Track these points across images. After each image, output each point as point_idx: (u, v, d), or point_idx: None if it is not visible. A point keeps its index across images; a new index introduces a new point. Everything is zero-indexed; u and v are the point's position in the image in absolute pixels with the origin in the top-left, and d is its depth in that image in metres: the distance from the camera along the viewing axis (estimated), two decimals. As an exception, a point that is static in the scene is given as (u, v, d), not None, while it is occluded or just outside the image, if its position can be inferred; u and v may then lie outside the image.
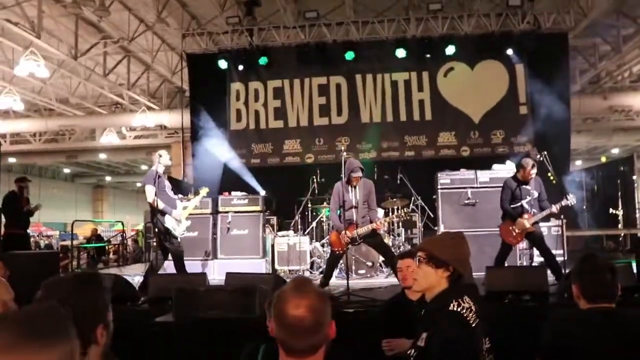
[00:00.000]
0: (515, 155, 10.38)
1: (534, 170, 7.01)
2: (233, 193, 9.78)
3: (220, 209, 9.58)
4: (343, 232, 6.99)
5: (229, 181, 11.43)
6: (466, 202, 8.82)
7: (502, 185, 7.31)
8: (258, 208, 9.55)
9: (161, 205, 7.06)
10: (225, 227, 9.46)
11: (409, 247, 9.51)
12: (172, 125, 17.13)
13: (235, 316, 4.66)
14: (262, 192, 10.34)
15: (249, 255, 9.35)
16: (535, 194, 6.99)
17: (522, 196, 7.01)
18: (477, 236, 7.95)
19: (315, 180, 10.49)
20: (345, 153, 7.16)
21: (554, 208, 6.81)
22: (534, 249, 7.69)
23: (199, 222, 9.09)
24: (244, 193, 9.82)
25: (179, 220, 7.16)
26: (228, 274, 6.03)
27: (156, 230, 7.16)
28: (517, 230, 6.97)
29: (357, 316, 5.30)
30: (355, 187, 7.09)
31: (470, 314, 2.41)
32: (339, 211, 7.19)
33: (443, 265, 2.55)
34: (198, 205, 7.91)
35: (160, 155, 7.29)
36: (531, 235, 7.02)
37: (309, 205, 10.36)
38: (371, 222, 7.02)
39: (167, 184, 7.34)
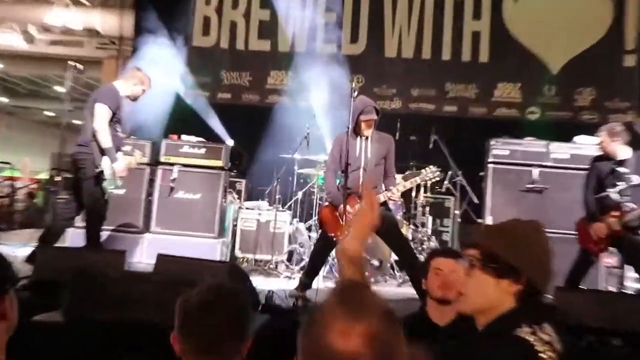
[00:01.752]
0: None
1: (615, 140, 6.81)
2: (184, 137, 9.46)
3: (163, 158, 9.26)
4: (341, 206, 6.74)
5: (182, 120, 11.23)
6: (530, 186, 8.51)
7: (588, 166, 7.20)
8: (219, 163, 9.23)
9: (107, 141, 6.88)
10: (167, 187, 9.16)
11: (436, 244, 9.21)
12: (106, 31, 16.57)
13: (162, 321, 4.26)
14: (229, 141, 9.98)
15: (198, 232, 9.10)
16: (635, 180, 6.70)
17: (613, 183, 6.78)
18: (543, 240, 7.58)
19: (308, 132, 10.14)
20: (355, 91, 6.92)
21: None
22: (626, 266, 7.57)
23: (128, 176, 8.72)
24: (200, 139, 9.50)
25: (115, 174, 7.04)
26: (161, 257, 5.76)
27: (81, 167, 6.94)
28: (599, 234, 6.69)
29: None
30: (367, 138, 6.91)
31: (549, 353, 2.11)
32: (338, 178, 7.02)
33: (511, 273, 2.27)
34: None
35: (139, 71, 7.41)
36: (621, 243, 6.74)
37: (296, 167, 10.07)
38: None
39: (123, 116, 7.31)
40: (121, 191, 8.60)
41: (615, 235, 6.66)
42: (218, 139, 9.66)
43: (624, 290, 8.01)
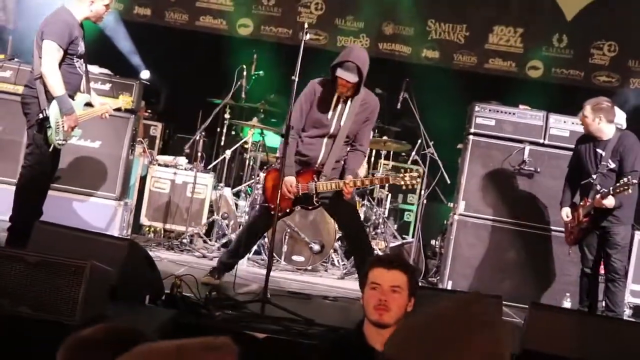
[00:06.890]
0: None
1: (593, 120, 7.16)
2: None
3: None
4: (292, 178, 6.80)
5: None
6: (518, 167, 8.57)
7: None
8: (128, 102, 8.91)
9: (58, 89, 6.81)
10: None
11: (393, 230, 9.34)
12: None
13: (31, 314, 4.36)
14: (145, 73, 9.93)
15: (95, 191, 9.03)
16: (611, 165, 7.16)
17: (593, 167, 7.27)
18: (529, 236, 8.39)
19: (246, 71, 10.15)
20: (307, 32, 6.75)
21: (608, 199, 6.87)
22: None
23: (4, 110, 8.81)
24: (105, 71, 9.31)
25: (62, 126, 7.01)
26: (40, 226, 5.80)
27: (26, 112, 7.04)
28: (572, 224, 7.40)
29: (275, 350, 5.22)
30: (346, 100, 6.84)
31: None
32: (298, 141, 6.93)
33: None
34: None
35: None
36: (586, 239, 7.37)
37: (227, 115, 10.18)
38: (344, 174, 6.88)
39: (82, 47, 7.25)
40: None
41: (580, 226, 7.30)
42: (130, 70, 9.48)
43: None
